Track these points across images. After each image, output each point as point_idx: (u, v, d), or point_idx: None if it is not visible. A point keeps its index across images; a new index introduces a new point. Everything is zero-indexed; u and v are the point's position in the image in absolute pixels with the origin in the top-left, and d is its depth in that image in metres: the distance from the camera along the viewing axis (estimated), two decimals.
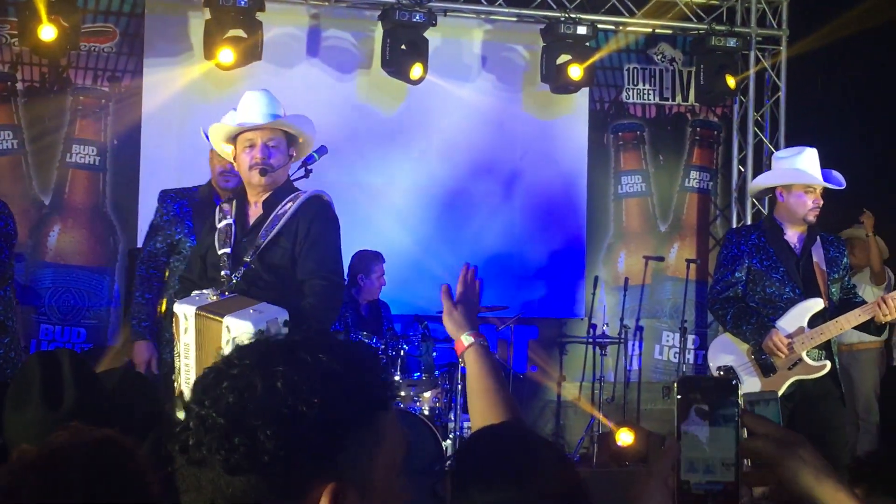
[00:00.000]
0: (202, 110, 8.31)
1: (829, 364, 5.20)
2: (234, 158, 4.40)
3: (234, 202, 4.42)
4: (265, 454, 1.17)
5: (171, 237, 5.39)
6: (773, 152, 8.94)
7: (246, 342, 1.28)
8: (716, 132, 9.54)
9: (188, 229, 5.34)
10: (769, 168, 6.18)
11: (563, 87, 8.65)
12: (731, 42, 8.87)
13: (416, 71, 8.08)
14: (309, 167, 6.02)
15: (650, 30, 9.23)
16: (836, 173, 5.31)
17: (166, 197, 5.56)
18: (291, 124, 4.41)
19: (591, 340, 8.28)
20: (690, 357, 9.00)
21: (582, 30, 8.49)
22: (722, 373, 5.27)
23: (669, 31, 9.26)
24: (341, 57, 8.62)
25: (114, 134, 8.25)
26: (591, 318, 8.43)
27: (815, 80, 9.47)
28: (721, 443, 1.29)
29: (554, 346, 8.57)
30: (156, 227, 5.50)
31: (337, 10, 8.61)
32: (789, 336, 5.11)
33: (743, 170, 9.22)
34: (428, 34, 8.21)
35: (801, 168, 5.29)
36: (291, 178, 5.96)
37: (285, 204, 4.29)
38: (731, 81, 8.80)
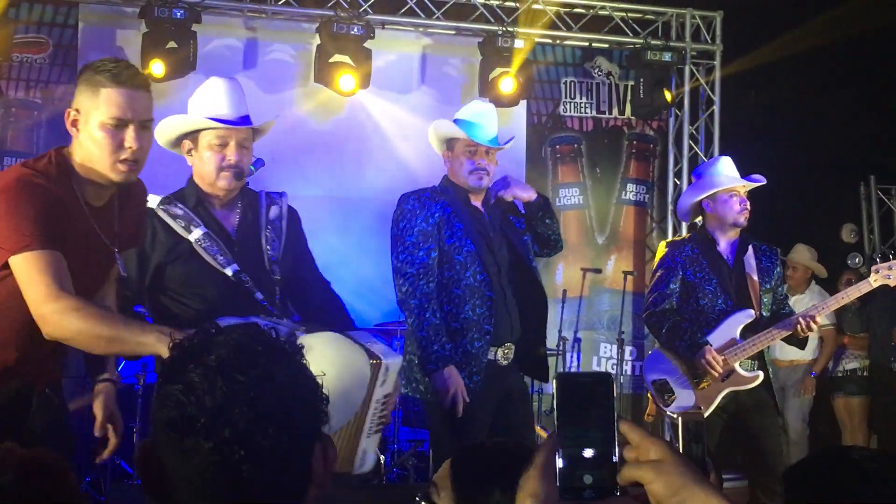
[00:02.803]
0: None
1: (761, 374, 5.26)
2: (187, 152, 3.77)
3: (186, 208, 3.72)
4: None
5: (442, 243, 4.58)
6: None
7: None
8: (652, 145, 9.65)
9: (460, 230, 4.60)
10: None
11: (501, 100, 8.68)
12: (667, 56, 8.99)
13: (346, 82, 8.06)
14: (246, 180, 5.95)
15: (587, 44, 9.32)
16: (755, 175, 5.39)
17: (423, 199, 4.65)
18: (265, 128, 3.89)
19: None
20: (628, 368, 9.07)
21: (519, 43, 8.55)
22: (659, 386, 5.30)
23: (606, 46, 9.36)
24: (279, 69, 8.60)
25: (46, 145, 8.10)
26: None
27: (749, 94, 9.64)
28: (598, 435, 1.33)
29: None
30: (423, 234, 4.57)
31: (275, 23, 8.60)
32: (721, 349, 5.16)
33: (679, 182, 9.34)
34: (366, 46, 8.22)
35: (719, 175, 5.36)
36: None
37: (269, 207, 3.83)
38: (666, 95, 8.92)
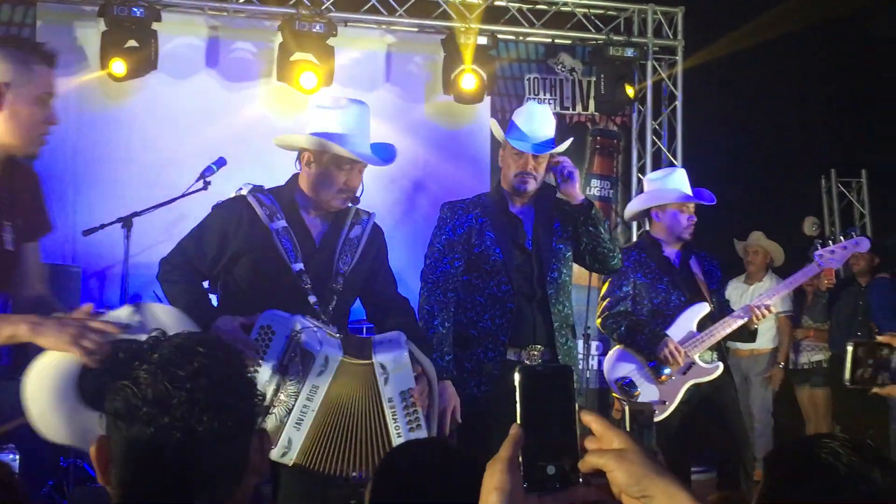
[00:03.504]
0: (98, 122, 8.17)
1: (721, 365, 5.35)
2: (307, 162, 3.98)
3: (275, 202, 3.94)
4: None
5: (470, 252, 4.63)
6: (670, 160, 9.15)
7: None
8: (615, 141, 9.68)
9: (490, 240, 4.62)
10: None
11: (465, 96, 8.70)
12: (629, 52, 9.03)
13: (307, 80, 8.03)
14: (207, 179, 5.92)
15: (550, 40, 9.34)
16: (706, 191, 5.50)
17: (456, 208, 4.74)
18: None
19: None
20: (594, 363, 9.10)
21: (482, 40, 8.56)
22: (623, 384, 5.33)
23: (569, 42, 9.39)
24: (241, 67, 8.56)
25: None
26: None
27: (711, 89, 9.70)
28: (560, 427, 1.35)
29: None
30: (448, 244, 4.66)
31: (236, 21, 8.55)
32: (680, 342, 5.23)
33: (642, 178, 9.36)
34: (329, 43, 8.20)
35: (672, 188, 5.46)
36: (188, 192, 5.87)
37: (352, 225, 4.03)
38: (629, 91, 8.95)
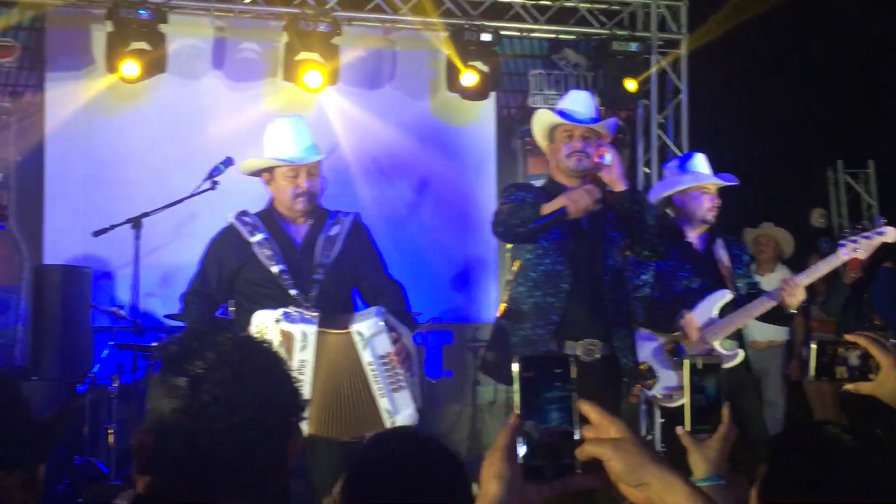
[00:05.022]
0: (107, 124, 8.24)
1: (742, 353, 5.25)
2: (266, 182, 4.54)
3: (258, 220, 4.49)
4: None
5: None
6: (676, 153, 9.16)
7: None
8: (621, 136, 9.68)
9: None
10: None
11: (469, 93, 8.74)
12: (633, 46, 9.04)
13: (312, 79, 8.09)
14: (216, 179, 5.99)
15: (554, 35, 9.36)
16: (728, 174, 5.48)
17: (519, 186, 5.11)
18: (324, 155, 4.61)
19: None
20: None
21: (486, 37, 8.59)
22: (641, 369, 5.27)
23: (573, 37, 9.41)
24: (247, 67, 8.61)
25: (17, 150, 8.11)
26: None
27: (714, 79, 9.70)
28: (558, 415, 1.38)
29: (468, 350, 8.63)
30: (519, 200, 4.73)
31: (242, 21, 8.61)
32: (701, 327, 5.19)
33: (649, 171, 9.40)
34: (334, 42, 8.25)
35: (693, 171, 5.45)
36: (197, 192, 5.94)
37: (333, 225, 4.52)
38: (631, 85, 8.95)
